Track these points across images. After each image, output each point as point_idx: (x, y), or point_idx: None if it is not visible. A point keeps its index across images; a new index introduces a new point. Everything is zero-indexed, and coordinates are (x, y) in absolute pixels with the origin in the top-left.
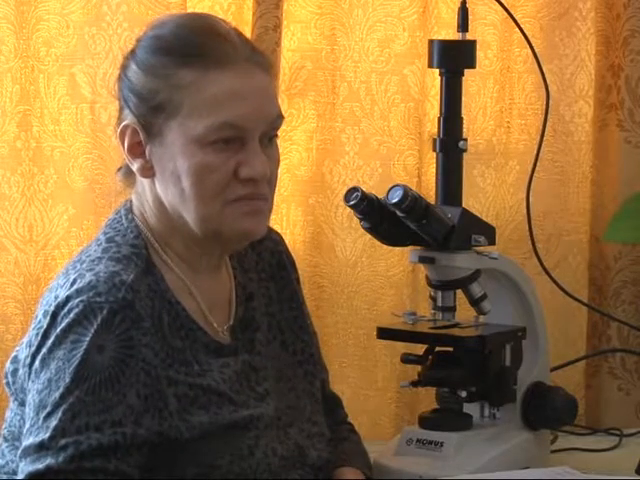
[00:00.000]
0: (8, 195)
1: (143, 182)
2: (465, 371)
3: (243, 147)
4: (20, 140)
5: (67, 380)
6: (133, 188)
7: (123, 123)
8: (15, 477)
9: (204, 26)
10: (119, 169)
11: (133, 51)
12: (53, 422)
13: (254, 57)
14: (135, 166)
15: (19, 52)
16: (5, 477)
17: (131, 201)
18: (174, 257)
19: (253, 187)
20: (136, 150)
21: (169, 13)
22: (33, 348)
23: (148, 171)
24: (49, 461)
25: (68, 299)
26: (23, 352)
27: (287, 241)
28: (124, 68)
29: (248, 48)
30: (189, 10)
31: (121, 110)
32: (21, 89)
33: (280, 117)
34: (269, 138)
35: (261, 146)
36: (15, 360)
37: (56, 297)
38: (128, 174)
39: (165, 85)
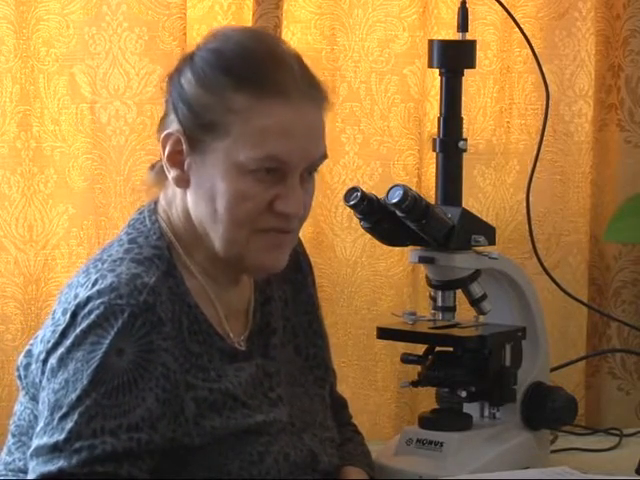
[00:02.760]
0: (8, 195)
1: (175, 189)
2: (465, 371)
3: (283, 180)
4: (20, 140)
5: (85, 382)
6: (160, 188)
7: (168, 130)
8: (21, 475)
9: (268, 51)
10: (152, 166)
11: (192, 58)
12: (69, 424)
13: (311, 91)
14: (171, 174)
15: (19, 52)
16: (11, 475)
17: (156, 202)
18: (196, 266)
19: (284, 221)
20: (175, 159)
21: (233, 25)
22: (49, 345)
23: (183, 182)
24: (62, 463)
25: (89, 299)
26: (37, 347)
27: None
28: (179, 73)
29: (307, 81)
30: (189, 10)
31: (167, 114)
32: (21, 89)
33: (324, 157)
34: (309, 172)
35: (300, 179)
36: (29, 354)
37: (76, 296)
38: (161, 174)
39: (218, 105)
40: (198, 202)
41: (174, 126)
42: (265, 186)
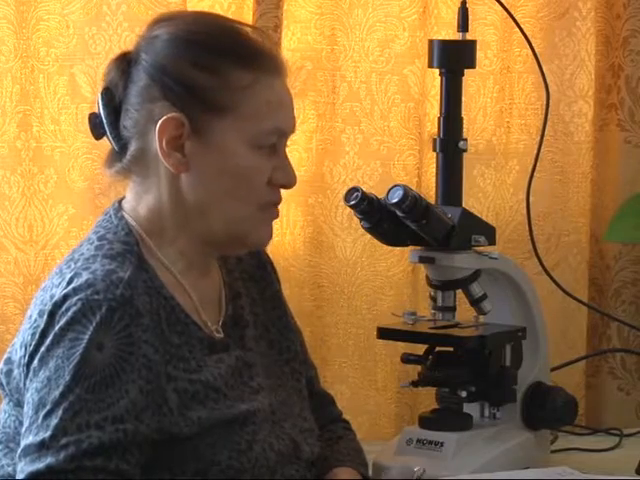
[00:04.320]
0: (8, 195)
1: (160, 176)
2: (465, 371)
3: (275, 152)
4: (20, 140)
5: (67, 378)
6: (129, 181)
7: (168, 115)
8: None
9: (246, 30)
10: (109, 164)
11: (159, 40)
12: (54, 421)
13: (285, 64)
14: (170, 160)
15: (19, 52)
16: None
17: (119, 201)
18: (172, 255)
19: (279, 193)
20: (173, 144)
21: (178, 10)
22: (30, 348)
23: (182, 166)
24: (49, 460)
25: (66, 298)
26: (17, 353)
27: (287, 241)
28: (154, 55)
29: (280, 54)
30: (189, 10)
31: (145, 101)
32: (21, 89)
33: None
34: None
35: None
36: (9, 361)
37: (52, 296)
38: (121, 170)
39: (220, 84)
40: (201, 183)
41: (167, 112)
42: (267, 159)
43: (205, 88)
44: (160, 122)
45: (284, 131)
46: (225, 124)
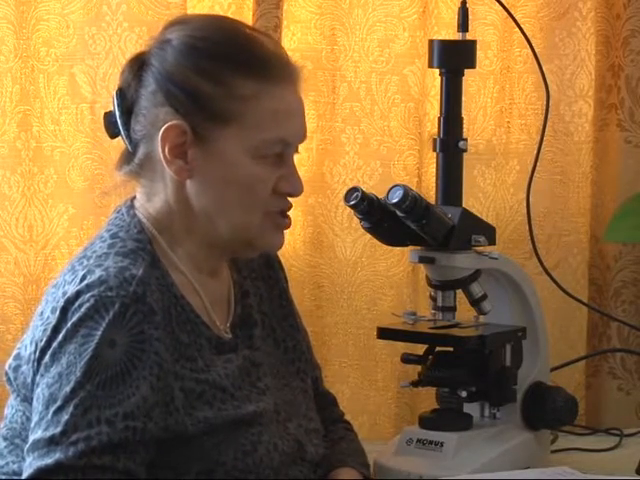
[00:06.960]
0: (8, 195)
1: (166, 182)
2: (465, 371)
3: (282, 162)
4: (20, 140)
5: (78, 374)
6: (137, 184)
7: (170, 123)
8: (15, 477)
9: (254, 34)
10: (119, 166)
11: (165, 49)
12: (64, 417)
13: (298, 72)
14: (173, 167)
15: (19, 52)
16: (4, 477)
17: (132, 199)
18: (182, 256)
19: (287, 202)
20: (177, 151)
21: (195, 13)
22: (42, 343)
23: (186, 173)
24: (58, 456)
25: (79, 294)
26: (27, 349)
27: (287, 241)
28: (160, 68)
29: (292, 62)
30: (189, 10)
31: (151, 107)
32: (21, 89)
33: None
34: (295, 151)
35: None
36: (18, 357)
37: (64, 293)
38: (131, 172)
39: (224, 93)
40: (205, 191)
41: (170, 118)
42: (271, 169)
43: (209, 96)
44: (163, 129)
45: (289, 142)
46: (228, 133)
